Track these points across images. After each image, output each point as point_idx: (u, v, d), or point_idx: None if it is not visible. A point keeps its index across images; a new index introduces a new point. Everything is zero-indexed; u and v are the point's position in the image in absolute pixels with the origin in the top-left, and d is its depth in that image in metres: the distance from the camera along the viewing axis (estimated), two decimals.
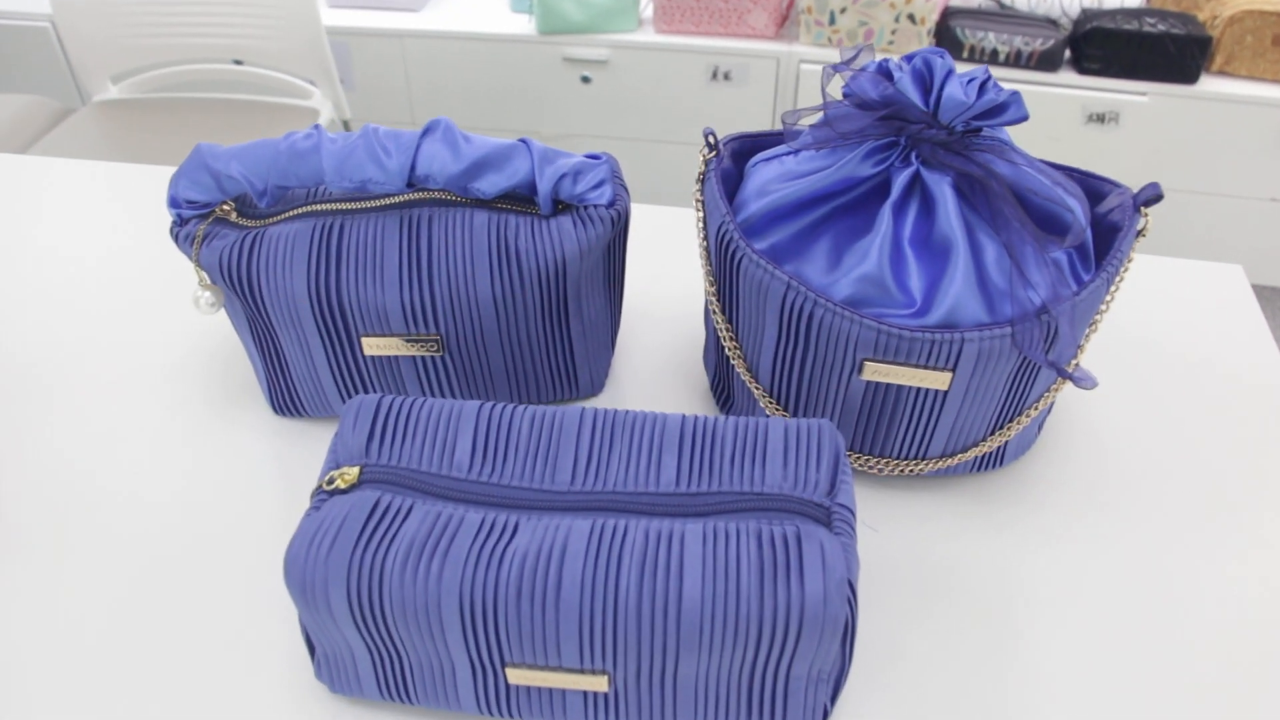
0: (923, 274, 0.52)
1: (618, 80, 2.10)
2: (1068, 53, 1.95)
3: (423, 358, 0.59)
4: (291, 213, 0.57)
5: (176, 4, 1.68)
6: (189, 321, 0.74)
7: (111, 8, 1.67)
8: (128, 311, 0.75)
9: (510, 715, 0.45)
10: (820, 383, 0.54)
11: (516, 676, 0.43)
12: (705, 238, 0.59)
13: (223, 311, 0.74)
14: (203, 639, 0.51)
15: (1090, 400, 0.67)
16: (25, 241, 0.84)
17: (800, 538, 0.41)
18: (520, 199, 0.57)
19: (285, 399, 0.63)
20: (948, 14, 1.95)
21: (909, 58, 0.52)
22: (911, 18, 1.89)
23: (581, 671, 0.42)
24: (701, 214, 0.58)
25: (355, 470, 0.45)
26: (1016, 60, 1.90)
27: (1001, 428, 0.56)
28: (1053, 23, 1.95)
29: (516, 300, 0.57)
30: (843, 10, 1.92)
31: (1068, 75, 1.92)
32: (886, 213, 0.52)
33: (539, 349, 0.60)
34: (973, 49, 1.90)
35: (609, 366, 0.67)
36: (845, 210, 0.54)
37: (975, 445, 0.57)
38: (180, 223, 0.58)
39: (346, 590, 0.41)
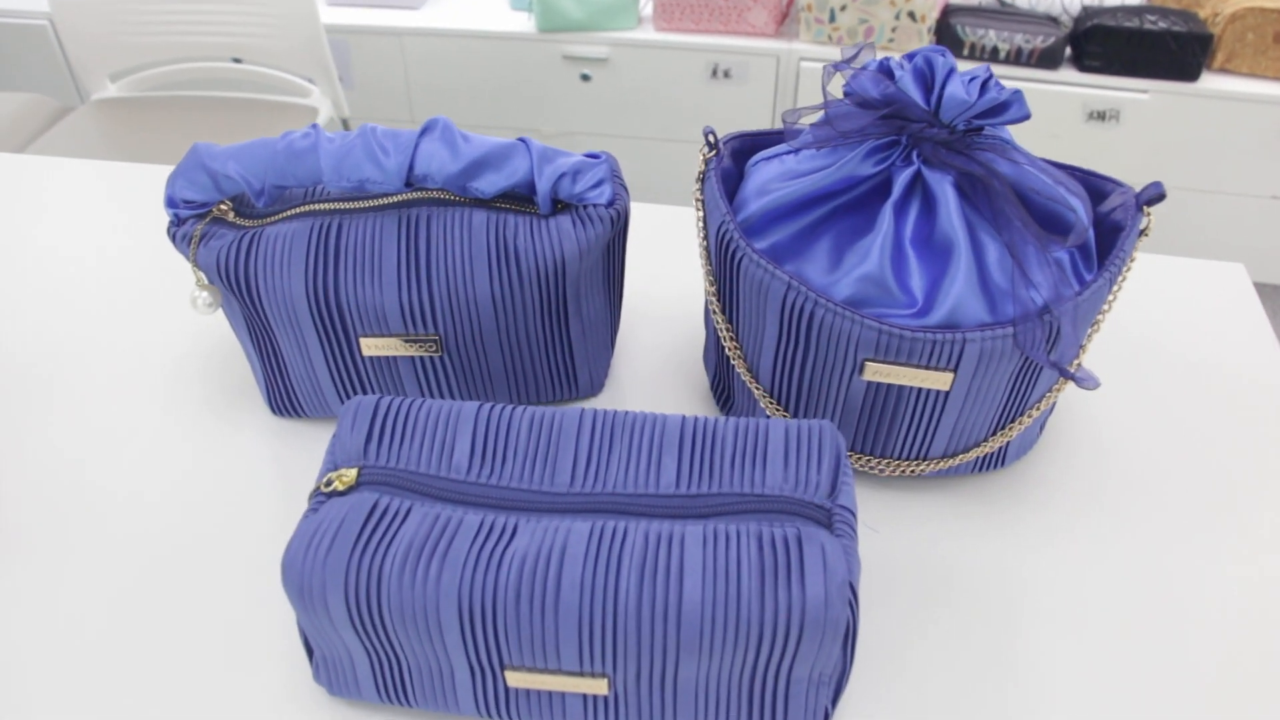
0: (924, 274, 0.51)
1: (617, 78, 2.10)
2: (1068, 50, 1.94)
3: (421, 358, 0.58)
4: (289, 212, 0.57)
5: (175, 2, 1.67)
6: (187, 321, 0.74)
7: (110, 6, 1.66)
8: (126, 311, 0.75)
9: (510, 718, 0.45)
10: (821, 383, 0.54)
11: (516, 679, 0.43)
12: (705, 237, 0.58)
13: (221, 311, 0.74)
14: (200, 641, 0.51)
15: (1092, 400, 0.66)
16: (23, 241, 0.84)
17: (801, 540, 0.41)
18: (519, 198, 0.57)
19: (283, 399, 0.63)
20: (948, 11, 1.94)
21: (910, 56, 0.52)
22: (912, 15, 1.89)
23: (581, 674, 0.42)
24: (701, 213, 0.58)
25: (353, 472, 0.45)
26: (1017, 58, 1.90)
27: (1003, 428, 0.56)
28: (1053, 20, 1.94)
29: (515, 300, 0.57)
30: (843, 8, 1.92)
31: (1068, 73, 1.92)
32: (888, 212, 0.52)
33: (538, 349, 0.60)
34: (973, 46, 1.90)
35: (609, 366, 0.67)
36: (846, 210, 0.54)
37: (977, 445, 0.56)
38: (177, 223, 0.57)
39: (344, 593, 0.41)
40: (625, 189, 0.59)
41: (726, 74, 2.04)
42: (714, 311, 0.58)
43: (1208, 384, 0.68)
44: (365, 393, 0.61)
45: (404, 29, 2.11)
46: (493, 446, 0.45)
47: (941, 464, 0.57)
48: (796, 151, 0.56)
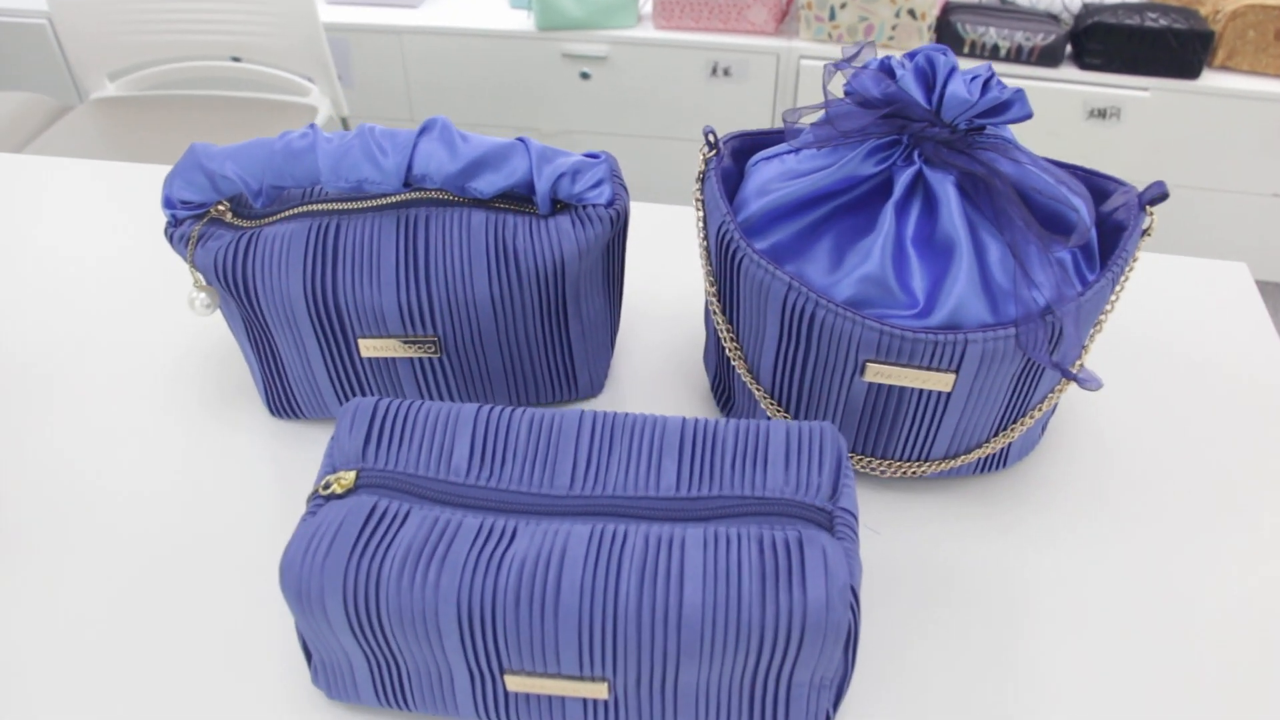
0: (926, 274, 0.51)
1: (617, 76, 2.09)
2: (1069, 48, 1.94)
3: (420, 359, 0.58)
4: (287, 213, 0.56)
5: (174, 1, 1.67)
6: (185, 322, 0.73)
7: (109, 4, 1.66)
8: (124, 312, 0.74)
9: None
10: (822, 384, 0.54)
11: (515, 684, 0.42)
12: (705, 237, 0.58)
13: (219, 312, 0.73)
14: (198, 644, 0.51)
15: (1094, 400, 0.66)
16: (21, 241, 0.84)
17: (802, 543, 0.41)
18: (518, 199, 0.57)
19: (281, 401, 0.63)
20: (948, 9, 1.94)
21: (911, 55, 0.51)
22: (912, 13, 1.88)
23: (581, 679, 0.41)
24: (701, 213, 0.58)
25: (351, 475, 0.45)
26: (1017, 55, 1.89)
27: (1005, 429, 0.56)
28: (1054, 18, 1.94)
29: (515, 301, 0.56)
30: (843, 6, 1.91)
31: (1069, 70, 1.91)
32: (889, 212, 0.51)
33: (538, 350, 0.60)
34: (973, 44, 1.90)
35: (609, 367, 0.66)
36: (847, 209, 0.54)
37: (979, 447, 0.56)
38: (175, 223, 0.57)
39: (343, 597, 0.41)
40: (625, 189, 0.58)
41: (726, 72, 2.03)
42: (714, 312, 0.58)
43: (1210, 384, 0.68)
44: (364, 394, 0.61)
45: (403, 27, 2.10)
46: (492, 449, 0.45)
47: (943, 465, 0.56)
48: (797, 151, 0.55)
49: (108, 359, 0.70)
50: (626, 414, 0.46)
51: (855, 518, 0.44)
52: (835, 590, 0.39)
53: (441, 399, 0.61)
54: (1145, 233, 0.53)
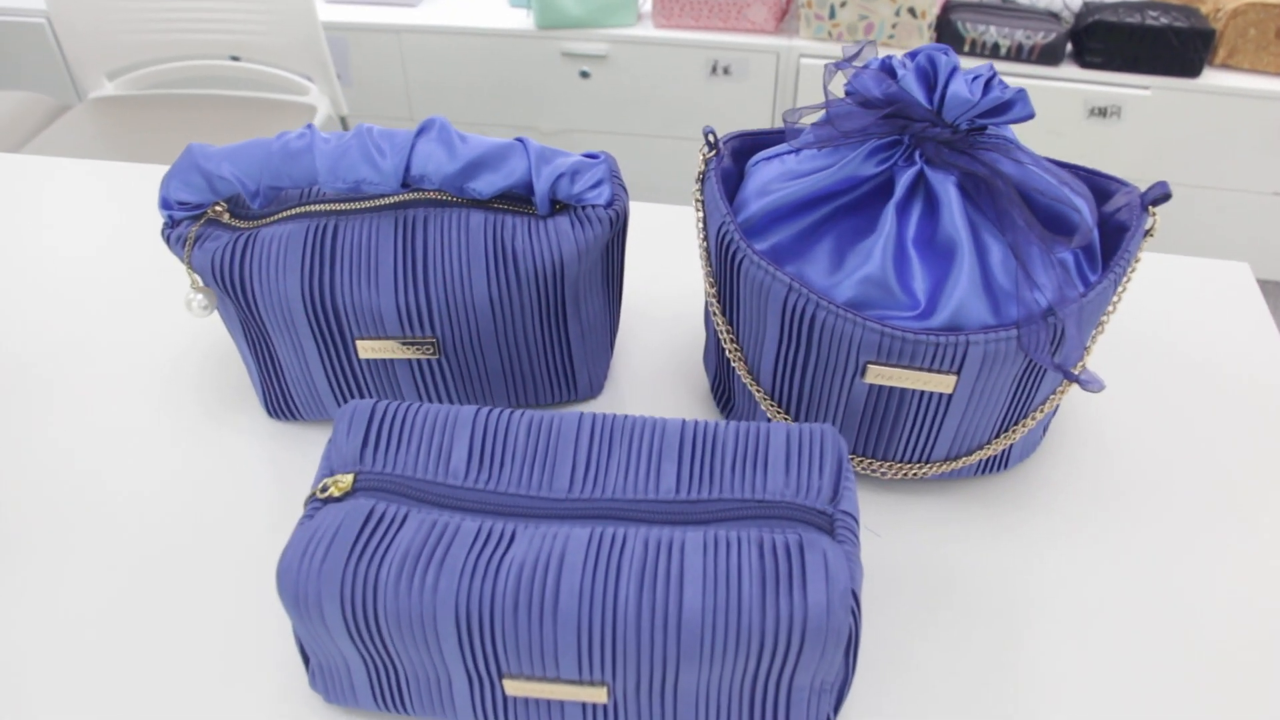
0: (927, 275, 0.51)
1: (617, 75, 2.09)
2: (1069, 46, 1.93)
3: (418, 361, 0.58)
4: (285, 214, 0.56)
5: (173, 0, 1.66)
6: (183, 322, 0.73)
7: (107, 4, 1.66)
8: (121, 312, 0.74)
9: None
10: (823, 386, 0.53)
11: (514, 688, 0.42)
12: (705, 238, 0.58)
13: (217, 313, 0.73)
14: (195, 647, 0.50)
15: (1095, 401, 0.66)
16: (19, 241, 0.83)
17: (803, 546, 0.40)
18: (517, 199, 0.56)
19: (279, 402, 0.62)
20: (949, 7, 1.94)
21: (913, 55, 0.51)
22: (912, 11, 1.88)
23: (580, 683, 0.41)
24: (701, 214, 0.58)
25: (349, 478, 0.44)
26: (1018, 54, 1.89)
27: (1007, 430, 0.56)
28: (1054, 16, 1.93)
29: (513, 302, 0.56)
30: (843, 4, 1.91)
31: (1069, 69, 1.91)
32: (890, 213, 0.51)
33: (537, 351, 0.59)
34: (974, 43, 1.89)
35: (608, 368, 0.66)
36: (848, 210, 0.53)
37: (980, 448, 0.56)
38: (172, 224, 0.57)
39: (340, 602, 0.40)
40: (624, 189, 0.58)
41: (726, 71, 2.03)
42: (714, 313, 0.58)
43: (1212, 384, 0.67)
44: (362, 396, 0.60)
45: (402, 26, 2.10)
46: (490, 451, 0.45)
47: (944, 467, 0.56)
48: (797, 151, 0.55)
49: (105, 360, 0.69)
50: (626, 416, 0.46)
51: (856, 521, 0.43)
52: (836, 594, 0.39)
53: (440, 400, 0.61)
54: (1148, 233, 0.53)
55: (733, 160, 0.59)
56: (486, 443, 0.45)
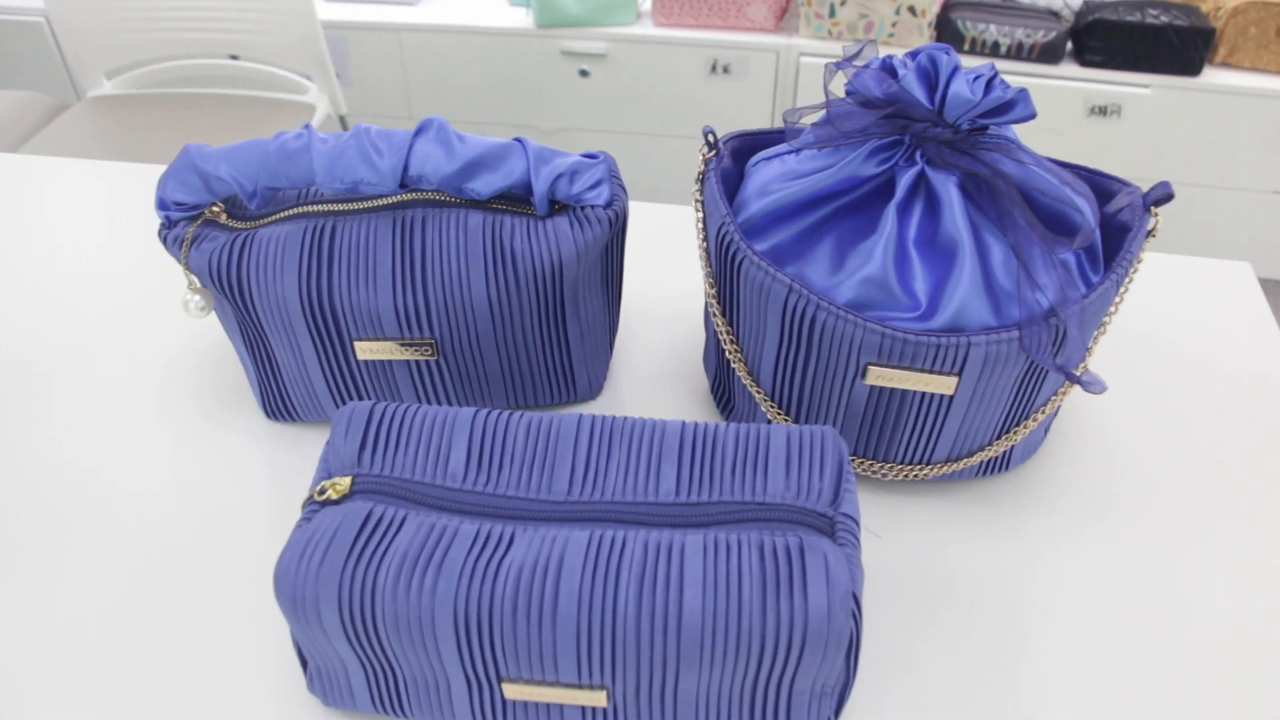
0: (928, 276, 0.50)
1: (616, 74, 2.08)
2: (1069, 45, 1.93)
3: (417, 362, 0.58)
4: (282, 214, 0.56)
5: None
6: (181, 323, 0.73)
7: (106, 2, 1.65)
8: (119, 313, 0.74)
9: None
10: (823, 387, 0.53)
11: (513, 692, 0.42)
12: (705, 239, 0.57)
13: (214, 314, 0.73)
14: (192, 650, 0.50)
15: (1097, 401, 0.65)
16: (17, 240, 0.83)
17: (803, 549, 0.40)
18: (516, 199, 0.56)
19: (277, 403, 0.62)
20: (949, 6, 1.93)
21: (914, 54, 0.51)
22: (912, 10, 1.88)
23: (579, 687, 0.41)
24: (701, 214, 0.57)
25: (347, 480, 0.44)
26: (1018, 53, 1.89)
27: (1008, 432, 0.55)
28: (1054, 14, 1.93)
29: (512, 303, 0.56)
30: (843, 3, 1.91)
31: (1069, 67, 1.91)
32: (891, 213, 0.51)
33: (535, 352, 0.59)
34: (974, 41, 1.89)
35: (607, 369, 0.66)
36: (848, 211, 0.53)
37: (981, 450, 0.56)
38: (169, 225, 0.56)
39: (338, 605, 0.40)
40: (624, 189, 0.58)
41: (726, 69, 2.02)
42: (714, 314, 0.58)
43: (1214, 384, 0.67)
44: (360, 397, 0.60)
45: (401, 25, 2.10)
46: (489, 454, 0.45)
47: (945, 468, 0.56)
48: (798, 151, 0.55)
49: (102, 360, 0.69)
50: (625, 418, 0.46)
51: (857, 523, 0.43)
52: (837, 598, 0.39)
53: (438, 401, 0.60)
54: (1150, 234, 0.52)
55: (733, 160, 0.59)
56: (485, 445, 0.45)
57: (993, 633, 0.51)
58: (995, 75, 0.50)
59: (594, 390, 0.64)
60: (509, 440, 0.45)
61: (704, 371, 0.68)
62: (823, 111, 0.54)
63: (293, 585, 0.40)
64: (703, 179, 0.57)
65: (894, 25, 1.90)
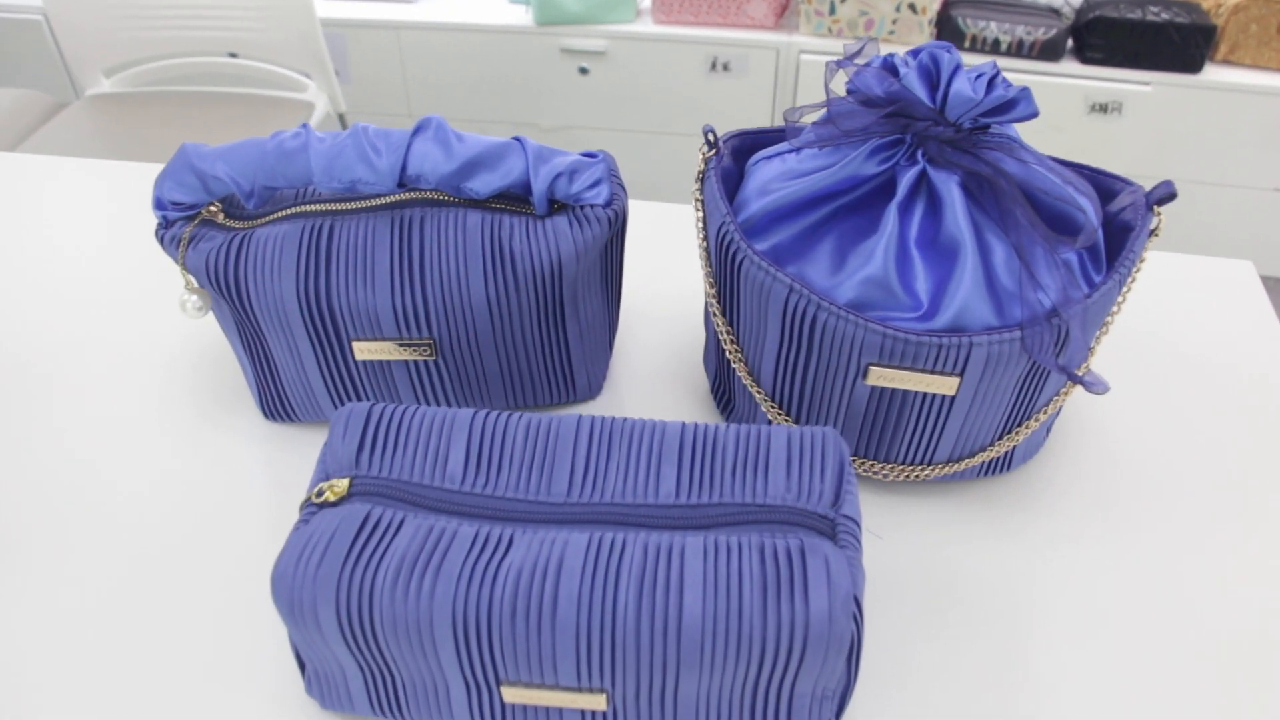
0: (929, 276, 0.50)
1: (616, 72, 2.08)
2: (1070, 42, 1.93)
3: (415, 362, 0.57)
4: (280, 214, 0.55)
5: None
6: (179, 323, 0.72)
7: (105, 0, 1.65)
8: (117, 312, 0.74)
9: None
10: (824, 387, 0.53)
11: (512, 695, 0.42)
12: (705, 238, 0.57)
13: (211, 314, 0.72)
14: (190, 652, 0.50)
15: (1099, 401, 0.65)
16: (15, 240, 0.83)
17: (804, 551, 0.40)
18: (515, 199, 0.56)
19: (275, 404, 0.62)
20: (949, 3, 1.93)
21: (915, 52, 0.50)
22: (913, 7, 1.87)
23: (579, 690, 0.41)
24: (701, 214, 0.57)
25: (345, 482, 0.44)
26: (1018, 50, 1.88)
27: (1010, 432, 0.55)
28: (1055, 12, 1.93)
29: (511, 303, 0.55)
30: (843, 0, 1.90)
31: (1070, 65, 1.90)
32: (892, 213, 0.51)
33: (535, 352, 0.59)
34: (974, 38, 1.89)
35: (607, 368, 0.66)
36: (849, 210, 0.53)
37: (983, 450, 0.55)
38: (166, 225, 0.56)
39: (336, 608, 0.40)
40: (623, 188, 0.58)
41: (726, 67, 2.02)
42: (714, 314, 0.57)
43: (1216, 384, 0.67)
44: (358, 397, 0.60)
45: (401, 23, 2.09)
46: (488, 455, 0.44)
47: (946, 469, 0.56)
48: (798, 150, 0.54)
49: (100, 360, 0.69)
50: (625, 419, 0.45)
51: (858, 525, 0.43)
52: (838, 601, 0.38)
53: (437, 402, 0.60)
54: (1153, 233, 0.52)
55: (733, 159, 0.58)
56: (484, 446, 0.44)
57: (995, 634, 0.51)
58: (997, 74, 0.49)
59: (593, 390, 0.64)
60: (508, 441, 0.45)
61: (704, 371, 0.68)
62: (823, 110, 0.53)
63: (290, 588, 0.40)
64: (703, 178, 0.56)
65: (894, 23, 1.90)
